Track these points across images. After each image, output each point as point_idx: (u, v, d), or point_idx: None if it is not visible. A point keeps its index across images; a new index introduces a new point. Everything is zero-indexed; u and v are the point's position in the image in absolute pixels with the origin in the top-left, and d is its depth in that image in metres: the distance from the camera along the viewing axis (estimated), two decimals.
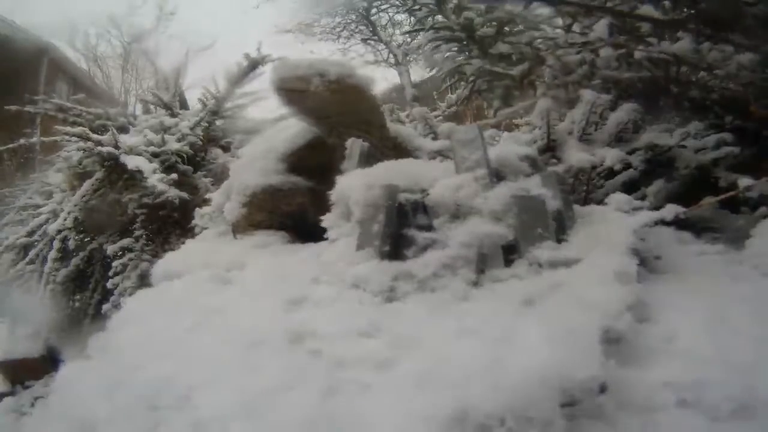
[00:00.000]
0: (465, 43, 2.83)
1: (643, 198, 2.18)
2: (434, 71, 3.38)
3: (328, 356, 1.23)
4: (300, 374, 1.19)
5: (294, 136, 2.34)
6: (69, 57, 12.94)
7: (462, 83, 3.31)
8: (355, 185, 1.72)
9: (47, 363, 2.91)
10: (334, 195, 1.82)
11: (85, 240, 3.37)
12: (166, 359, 1.35)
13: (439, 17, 2.79)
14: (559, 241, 1.64)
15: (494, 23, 2.57)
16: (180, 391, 1.22)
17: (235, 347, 1.32)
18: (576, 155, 2.26)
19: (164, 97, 3.87)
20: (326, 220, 1.83)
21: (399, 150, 2.37)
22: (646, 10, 2.19)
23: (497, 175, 1.87)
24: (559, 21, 2.83)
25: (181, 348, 1.38)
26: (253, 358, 1.27)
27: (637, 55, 2.39)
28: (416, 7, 3.17)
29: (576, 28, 2.65)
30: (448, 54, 2.99)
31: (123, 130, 3.57)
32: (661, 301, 1.39)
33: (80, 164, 3.27)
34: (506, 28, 2.60)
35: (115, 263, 3.09)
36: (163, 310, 1.65)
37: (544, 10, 2.79)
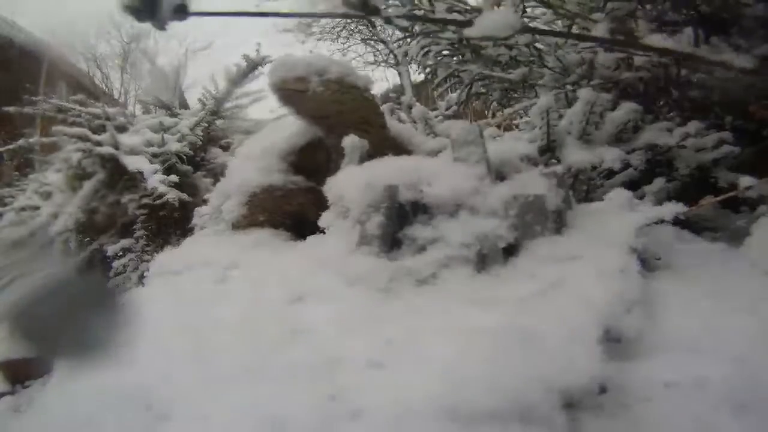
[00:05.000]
0: (456, 46, 2.81)
1: (642, 197, 2.18)
2: (429, 75, 3.35)
3: (328, 353, 1.22)
4: (299, 371, 1.18)
5: (293, 136, 2.33)
6: (68, 57, 12.95)
7: (459, 85, 3.29)
8: (352, 183, 1.71)
9: (47, 363, 2.90)
10: (330, 194, 1.82)
11: (86, 240, 3.37)
12: (163, 357, 1.34)
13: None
14: (558, 239, 1.64)
15: None
16: (177, 390, 1.21)
17: (234, 345, 1.32)
18: (575, 155, 2.25)
19: (163, 97, 3.87)
20: (323, 219, 1.82)
21: (400, 150, 2.36)
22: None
23: (497, 174, 1.87)
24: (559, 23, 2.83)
25: (178, 346, 1.38)
26: (251, 356, 1.26)
27: (637, 60, 2.39)
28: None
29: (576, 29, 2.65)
30: (440, 59, 2.96)
31: (122, 129, 3.57)
32: (662, 299, 1.39)
33: (80, 165, 3.26)
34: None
35: (115, 264, 3.10)
36: (160, 307, 1.64)
37: (545, 13, 2.79)
